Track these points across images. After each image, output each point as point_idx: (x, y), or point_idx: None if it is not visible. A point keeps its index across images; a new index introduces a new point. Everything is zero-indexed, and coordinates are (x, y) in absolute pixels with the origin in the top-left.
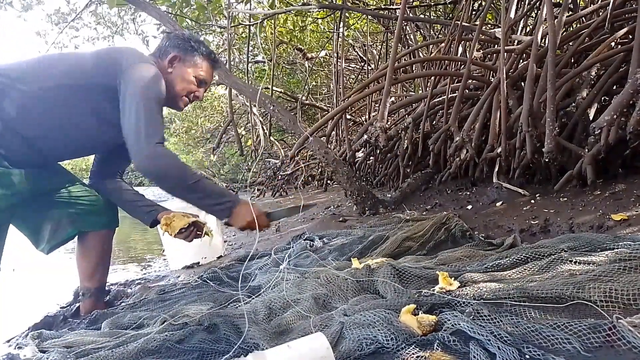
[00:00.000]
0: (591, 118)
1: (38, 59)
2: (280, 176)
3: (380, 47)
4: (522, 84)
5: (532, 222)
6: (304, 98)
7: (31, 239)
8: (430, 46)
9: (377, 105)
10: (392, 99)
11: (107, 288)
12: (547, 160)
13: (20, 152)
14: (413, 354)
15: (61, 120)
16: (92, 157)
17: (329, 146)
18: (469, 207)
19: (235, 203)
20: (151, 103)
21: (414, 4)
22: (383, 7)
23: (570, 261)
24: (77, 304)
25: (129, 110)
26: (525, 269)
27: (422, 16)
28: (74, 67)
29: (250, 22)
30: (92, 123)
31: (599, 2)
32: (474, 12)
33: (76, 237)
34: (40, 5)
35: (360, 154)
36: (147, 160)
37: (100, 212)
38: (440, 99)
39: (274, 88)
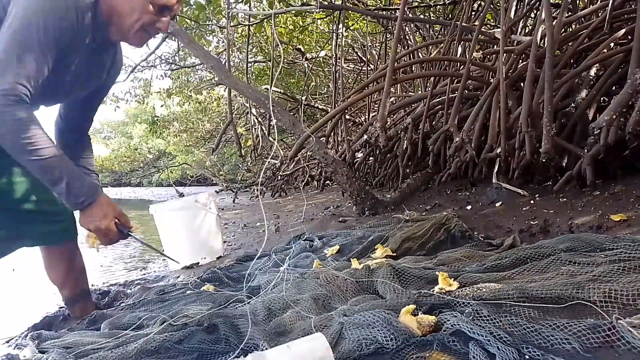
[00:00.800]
0: (590, 118)
1: None
2: (279, 176)
3: (379, 47)
4: (522, 84)
5: (532, 222)
6: (303, 98)
7: None
8: (430, 46)
9: (376, 105)
10: (392, 99)
11: (106, 288)
12: (544, 160)
13: None
14: (413, 354)
15: None
16: None
17: (329, 146)
18: (469, 207)
19: (89, 202)
20: (27, 36)
21: (414, 4)
22: (382, 7)
23: (570, 262)
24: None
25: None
26: (524, 270)
27: (421, 16)
28: None
29: (250, 22)
30: None
31: (599, 2)
32: (473, 13)
33: (39, 249)
34: None
35: (359, 154)
36: None
37: (57, 223)
38: (439, 99)
39: (274, 88)
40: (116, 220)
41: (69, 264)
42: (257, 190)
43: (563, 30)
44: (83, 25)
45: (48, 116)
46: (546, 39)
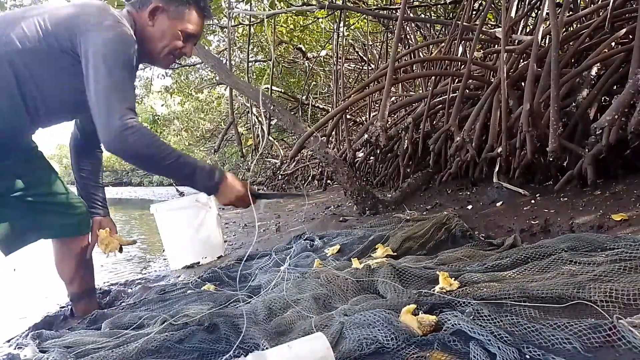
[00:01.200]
0: (591, 118)
1: None
2: (280, 176)
3: (380, 47)
4: (522, 84)
5: (533, 222)
6: (304, 98)
7: None
8: (431, 46)
9: (377, 105)
10: (393, 98)
11: (107, 288)
12: (550, 160)
13: None
14: (413, 354)
15: (27, 89)
16: None
17: (329, 146)
18: (469, 207)
19: (220, 180)
20: (118, 72)
21: (415, 3)
22: (383, 7)
23: (571, 261)
24: (71, 307)
25: (93, 83)
26: (525, 269)
27: (422, 16)
28: (32, 28)
29: (250, 21)
30: (59, 84)
31: (599, 2)
32: (474, 12)
33: (51, 244)
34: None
35: (360, 154)
36: (116, 139)
37: (72, 216)
38: (440, 99)
39: (274, 88)
40: (246, 187)
41: (79, 259)
42: (271, 188)
43: (564, 29)
44: (134, 44)
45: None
46: (551, 37)
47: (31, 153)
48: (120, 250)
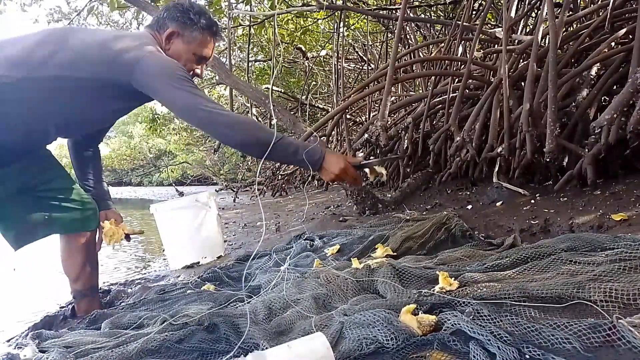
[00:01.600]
0: (591, 118)
1: (35, 41)
2: (280, 176)
3: (380, 47)
4: (522, 84)
5: (532, 222)
6: (303, 98)
7: (2, 231)
8: (431, 46)
9: (377, 105)
10: (393, 98)
11: (107, 288)
12: (547, 160)
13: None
14: (413, 353)
15: (51, 110)
16: None
17: (329, 146)
18: (469, 207)
19: (322, 157)
20: (183, 83)
21: (415, 3)
22: (383, 7)
23: (571, 261)
24: (73, 305)
25: (170, 105)
26: (525, 269)
27: (422, 16)
28: (78, 58)
29: (250, 22)
30: (87, 113)
31: (599, 2)
32: (474, 12)
33: (59, 240)
34: (39, 2)
35: (360, 154)
36: (226, 131)
37: (81, 212)
38: (440, 98)
39: (274, 88)
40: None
41: (86, 256)
42: (271, 188)
43: (564, 29)
44: None
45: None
46: (549, 38)
47: (40, 152)
48: (128, 239)
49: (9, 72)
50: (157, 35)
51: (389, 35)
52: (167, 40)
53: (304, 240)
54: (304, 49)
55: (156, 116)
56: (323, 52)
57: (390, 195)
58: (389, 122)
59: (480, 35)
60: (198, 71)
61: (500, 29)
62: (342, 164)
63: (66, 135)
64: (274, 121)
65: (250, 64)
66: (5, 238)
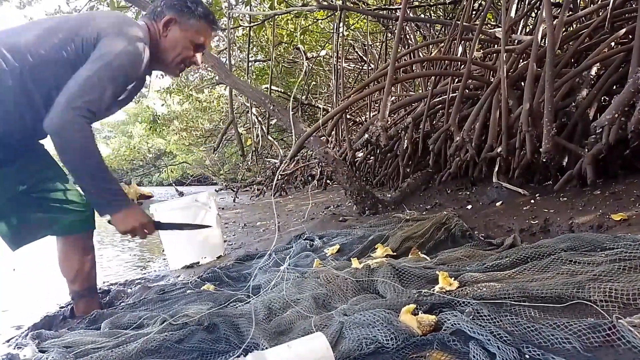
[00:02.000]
0: (591, 118)
1: (19, 28)
2: (280, 176)
3: (380, 47)
4: (522, 83)
5: (532, 222)
6: (303, 98)
7: (1, 232)
8: (431, 46)
9: (377, 105)
10: (392, 98)
11: (106, 288)
12: (544, 160)
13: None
14: (413, 353)
15: (43, 99)
16: None
17: (329, 146)
18: (469, 207)
19: (124, 206)
20: (108, 76)
21: (415, 3)
22: (383, 7)
23: (570, 261)
24: (72, 306)
25: (82, 70)
26: (525, 269)
27: (422, 16)
28: (54, 34)
29: (250, 22)
30: None
31: (599, 2)
32: (474, 12)
33: (55, 241)
34: (38, 2)
35: (360, 154)
36: (58, 124)
37: (79, 213)
38: (440, 98)
39: (274, 88)
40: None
41: (83, 257)
42: (271, 188)
43: (564, 29)
44: (144, 62)
45: None
46: (547, 39)
47: (39, 152)
48: (141, 199)
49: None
50: (152, 24)
51: (389, 35)
52: (164, 28)
53: (304, 240)
54: (303, 49)
55: (156, 117)
56: (323, 52)
57: (390, 195)
58: (389, 122)
59: (480, 35)
60: (195, 59)
61: (500, 29)
62: (137, 221)
63: None
64: (274, 121)
65: (250, 64)
66: (3, 239)
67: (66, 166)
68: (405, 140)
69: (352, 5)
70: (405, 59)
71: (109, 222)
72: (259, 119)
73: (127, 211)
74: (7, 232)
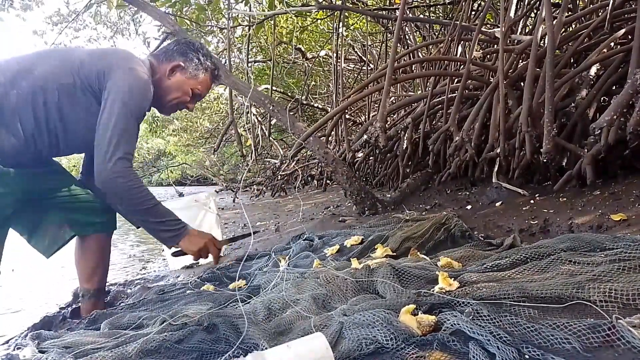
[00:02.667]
0: (590, 118)
1: (31, 55)
2: (280, 176)
3: (379, 47)
4: (522, 84)
5: (532, 222)
6: (303, 98)
7: (32, 243)
8: (430, 46)
9: (376, 105)
10: (392, 99)
11: (106, 288)
12: (545, 160)
13: (13, 151)
14: (412, 354)
15: (51, 119)
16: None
17: (329, 146)
18: (469, 207)
19: (185, 232)
20: (129, 116)
21: (414, 4)
22: (382, 7)
23: (570, 261)
24: (76, 305)
25: (105, 119)
26: (524, 269)
27: (421, 16)
28: (65, 64)
29: (250, 22)
30: (82, 122)
31: (599, 2)
32: (473, 12)
33: (75, 238)
34: (39, 6)
35: (359, 154)
36: (108, 177)
37: (99, 215)
38: (439, 99)
39: (274, 88)
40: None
41: (101, 256)
42: (271, 188)
43: (563, 29)
44: (151, 94)
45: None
46: (547, 39)
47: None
48: None
49: (12, 83)
50: (159, 64)
51: (389, 35)
52: (170, 71)
53: (304, 240)
54: (303, 49)
55: (155, 117)
56: (322, 53)
57: (389, 196)
58: (389, 123)
59: (480, 35)
60: (190, 106)
61: (499, 29)
62: (201, 244)
63: (62, 154)
64: (274, 121)
65: (249, 65)
66: (35, 247)
67: (124, 215)
68: (405, 141)
69: (351, 5)
70: (404, 60)
71: (178, 253)
72: (259, 119)
73: (189, 236)
74: (38, 240)
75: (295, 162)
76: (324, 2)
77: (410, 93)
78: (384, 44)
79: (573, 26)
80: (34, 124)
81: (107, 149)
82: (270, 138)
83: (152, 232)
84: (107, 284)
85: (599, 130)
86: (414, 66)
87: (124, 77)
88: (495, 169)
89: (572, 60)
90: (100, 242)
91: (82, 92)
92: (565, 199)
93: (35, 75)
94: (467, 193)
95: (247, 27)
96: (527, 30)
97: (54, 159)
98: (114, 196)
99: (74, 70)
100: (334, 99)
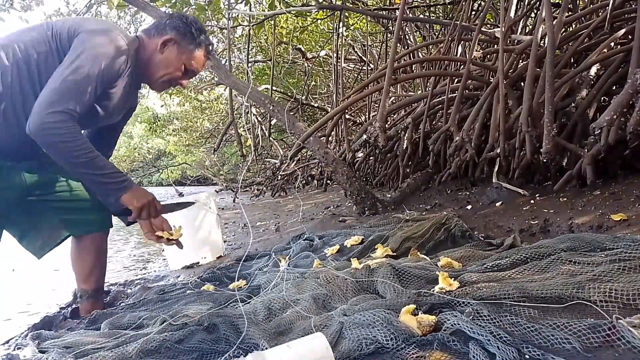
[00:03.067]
0: (591, 118)
1: (14, 32)
2: (280, 176)
3: (379, 47)
4: (522, 84)
5: (532, 222)
6: (303, 98)
7: (24, 244)
8: (430, 46)
9: (376, 105)
10: (392, 99)
11: (106, 288)
12: (545, 160)
13: (7, 138)
14: (413, 354)
15: (35, 95)
16: None
17: (329, 146)
18: (469, 207)
19: (130, 186)
20: (84, 76)
21: (414, 4)
22: (382, 7)
23: (570, 261)
24: (76, 305)
25: (58, 73)
26: (525, 269)
27: (421, 16)
28: (41, 32)
29: (250, 22)
30: None
31: (599, 2)
32: (473, 12)
33: (70, 239)
34: (40, 6)
35: (360, 154)
36: (39, 127)
37: (94, 214)
38: (440, 99)
39: (274, 88)
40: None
41: (97, 256)
42: (271, 188)
43: (563, 29)
44: (127, 69)
45: None
46: (547, 39)
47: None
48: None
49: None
50: (150, 39)
51: (389, 35)
52: (162, 45)
53: (304, 240)
54: (303, 49)
55: (155, 118)
56: (322, 53)
57: (389, 196)
58: (389, 123)
59: (480, 35)
60: (183, 82)
61: (499, 29)
62: (145, 200)
63: None
64: (274, 121)
65: (249, 65)
66: (27, 248)
67: (61, 165)
68: (405, 141)
69: (351, 5)
70: (404, 60)
71: (123, 214)
72: (259, 119)
73: (134, 190)
74: (30, 241)
75: (295, 162)
76: (324, 2)
77: (410, 93)
78: (384, 44)
79: (573, 26)
80: (19, 101)
81: (46, 99)
82: (270, 138)
83: (95, 185)
84: (107, 283)
85: (599, 130)
86: (414, 66)
87: (89, 38)
88: (496, 169)
89: (572, 60)
90: (96, 241)
91: (59, 58)
92: (565, 199)
93: (16, 49)
94: (467, 193)
95: (247, 27)
96: (527, 30)
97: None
98: (46, 148)
99: (49, 37)
100: (334, 99)
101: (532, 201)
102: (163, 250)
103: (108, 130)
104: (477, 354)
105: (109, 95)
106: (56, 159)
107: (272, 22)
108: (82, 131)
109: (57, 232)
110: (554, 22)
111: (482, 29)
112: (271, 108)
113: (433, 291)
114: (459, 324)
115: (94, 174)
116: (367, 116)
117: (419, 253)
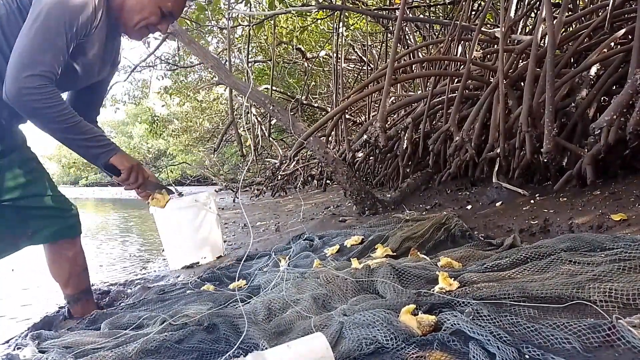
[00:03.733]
0: (591, 118)
1: None
2: (279, 176)
3: (379, 47)
4: (522, 84)
5: (532, 222)
6: (303, 98)
7: None
8: (430, 46)
9: (376, 105)
10: (392, 99)
11: (106, 288)
12: (545, 160)
13: None
14: (413, 353)
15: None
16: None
17: (329, 146)
18: (469, 207)
19: (116, 149)
20: (52, 30)
21: (414, 4)
22: (382, 7)
23: (570, 261)
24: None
25: (24, 33)
26: (525, 269)
27: (421, 16)
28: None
29: (250, 22)
30: None
31: (599, 2)
32: (473, 12)
33: (42, 247)
34: None
35: (360, 154)
36: (16, 93)
37: (63, 222)
38: (440, 99)
39: (274, 88)
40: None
41: (72, 262)
42: (271, 188)
43: (563, 29)
44: (98, 18)
45: None
46: (547, 39)
47: (24, 153)
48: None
49: None
50: None
51: (389, 35)
52: None
53: (304, 240)
54: (303, 49)
55: (155, 118)
56: (322, 53)
57: (389, 196)
58: (389, 123)
59: (480, 35)
60: (161, 27)
61: (499, 29)
62: (132, 162)
63: None
64: (274, 121)
65: (249, 65)
66: None
67: (44, 131)
68: (405, 141)
69: (351, 5)
70: (404, 60)
71: (111, 171)
72: (259, 119)
73: (120, 154)
74: None
75: (295, 162)
76: (324, 2)
77: (410, 93)
78: (384, 44)
79: (573, 26)
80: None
81: (19, 62)
82: (270, 138)
83: (81, 149)
84: (107, 283)
85: (599, 130)
86: (414, 66)
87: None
88: (496, 169)
89: (572, 60)
90: (68, 247)
91: (22, 17)
92: (565, 199)
93: None
94: (467, 193)
95: (247, 27)
96: (527, 30)
97: (32, 151)
98: (26, 114)
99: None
100: (334, 99)
101: (532, 201)
102: (163, 251)
103: (91, 91)
104: (477, 354)
105: (84, 50)
106: (38, 125)
107: (272, 22)
108: (65, 93)
109: (21, 240)
110: (554, 22)
111: (482, 29)
112: (271, 108)
113: (433, 291)
114: (459, 324)
115: (78, 138)
116: (367, 116)
117: (419, 253)
